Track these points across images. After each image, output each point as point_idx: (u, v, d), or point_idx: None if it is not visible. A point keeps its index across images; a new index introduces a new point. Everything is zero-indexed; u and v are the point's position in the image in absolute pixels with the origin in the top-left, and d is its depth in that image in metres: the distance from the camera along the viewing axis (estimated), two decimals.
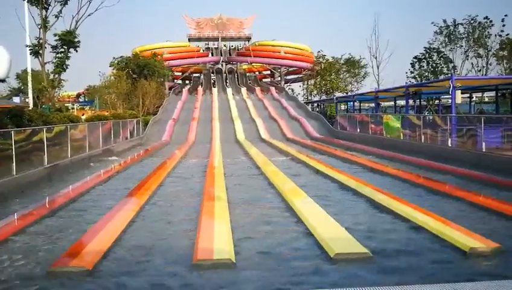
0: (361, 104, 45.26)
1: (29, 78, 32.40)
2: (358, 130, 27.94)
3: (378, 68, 45.77)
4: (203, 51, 62.81)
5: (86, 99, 62.01)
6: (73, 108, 51.25)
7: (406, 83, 30.93)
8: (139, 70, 40.52)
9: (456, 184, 11.17)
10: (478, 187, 10.78)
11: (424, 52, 41.11)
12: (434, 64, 40.61)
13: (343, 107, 49.27)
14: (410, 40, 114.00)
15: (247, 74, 63.26)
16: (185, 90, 52.18)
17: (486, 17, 38.39)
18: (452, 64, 40.21)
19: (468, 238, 6.45)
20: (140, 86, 37.61)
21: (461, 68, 40.18)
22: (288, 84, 64.05)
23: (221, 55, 62.46)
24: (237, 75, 61.72)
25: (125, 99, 37.41)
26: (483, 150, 15.06)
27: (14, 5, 31.12)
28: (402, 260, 5.99)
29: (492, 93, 33.05)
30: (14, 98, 43.69)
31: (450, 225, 7.26)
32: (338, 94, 48.43)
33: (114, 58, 43.13)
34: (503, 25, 37.12)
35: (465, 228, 7.00)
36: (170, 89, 53.32)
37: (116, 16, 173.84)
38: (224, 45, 64.26)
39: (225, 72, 61.81)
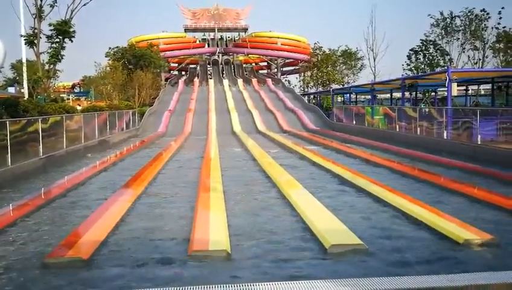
0: (358, 96, 45.26)
1: (24, 69, 32.18)
2: (354, 122, 27.99)
3: (374, 60, 45.83)
4: (200, 42, 62.52)
5: (82, 90, 61.74)
6: (68, 99, 51.08)
7: (402, 75, 30.92)
8: (135, 61, 40.33)
9: (450, 177, 11.21)
10: (472, 179, 10.85)
11: (421, 44, 41.10)
12: (430, 57, 40.63)
13: (339, 99, 49.28)
14: (407, 32, 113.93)
15: (244, 65, 63.04)
16: (181, 81, 51.94)
17: (483, 10, 38.39)
18: (448, 57, 40.24)
19: (462, 230, 6.50)
20: (136, 77, 37.44)
21: (457, 61, 40.25)
22: (285, 75, 63.90)
23: (218, 46, 62.18)
24: (234, 67, 61.52)
25: (121, 90, 37.25)
26: (479, 143, 15.12)
27: None
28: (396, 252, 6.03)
29: (488, 86, 33.09)
30: (9, 88, 43.42)
31: (445, 216, 7.30)
32: (334, 86, 48.42)
33: (110, 48, 42.94)
34: (500, 18, 37.16)
35: (460, 220, 7.05)
36: (166, 80, 53.12)
37: (111, 5, 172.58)
38: (221, 36, 63.93)
39: (221, 64, 61.59)
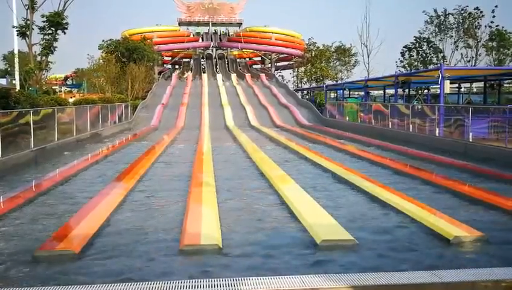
0: (351, 93, 45.31)
1: (16, 60, 31.95)
2: (347, 118, 28.11)
3: (368, 57, 45.80)
4: (194, 35, 62.26)
5: (74, 83, 61.35)
6: (60, 91, 50.77)
7: (396, 72, 30.97)
8: (128, 54, 40.09)
9: (441, 174, 11.30)
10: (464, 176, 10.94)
11: (414, 41, 41.17)
12: (424, 54, 40.69)
13: (332, 95, 49.32)
14: (401, 29, 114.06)
15: (238, 60, 62.89)
16: (174, 75, 51.75)
17: (476, 8, 38.49)
18: (442, 54, 40.34)
19: (452, 227, 6.55)
20: (130, 70, 37.24)
21: (451, 58, 40.36)
22: (279, 71, 63.85)
23: (212, 40, 61.95)
24: (227, 61, 61.35)
25: (114, 83, 37.06)
26: (470, 140, 15.23)
27: None
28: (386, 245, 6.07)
29: (481, 84, 33.28)
30: (0, 79, 43.07)
31: (435, 213, 7.36)
32: (328, 82, 48.44)
33: (103, 41, 42.62)
34: (493, 16, 37.26)
35: (449, 216, 7.12)
36: (160, 73, 52.90)
37: None
38: (215, 30, 63.70)
39: (215, 58, 61.40)
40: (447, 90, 20.71)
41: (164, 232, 6.71)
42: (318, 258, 5.62)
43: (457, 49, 39.94)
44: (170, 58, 62.25)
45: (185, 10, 61.05)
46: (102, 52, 40.72)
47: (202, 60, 61.74)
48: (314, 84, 52.08)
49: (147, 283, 4.06)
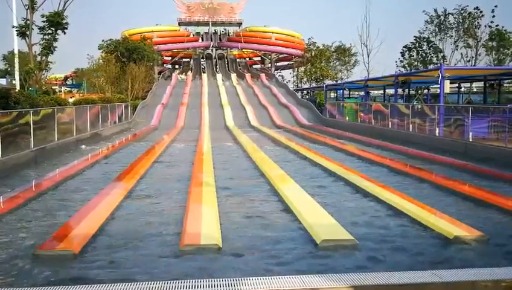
0: (351, 93, 45.32)
1: (16, 60, 31.93)
2: (347, 118, 28.11)
3: (368, 56, 45.81)
4: (194, 35, 62.27)
5: (74, 83, 61.35)
6: (60, 91, 50.77)
7: (396, 72, 30.95)
8: (128, 54, 40.07)
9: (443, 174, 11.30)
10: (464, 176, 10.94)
11: (414, 41, 41.18)
12: (424, 54, 40.71)
13: (332, 95, 49.34)
14: (401, 29, 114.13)
15: (238, 60, 62.88)
16: (174, 75, 51.73)
17: (476, 8, 38.51)
18: (442, 54, 40.34)
19: (452, 226, 6.56)
20: (129, 70, 37.23)
21: (450, 58, 40.37)
22: (279, 71, 63.85)
23: (212, 40, 61.95)
24: (227, 61, 61.35)
25: (114, 83, 37.05)
26: (470, 140, 15.22)
27: None
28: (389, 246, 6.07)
29: (481, 84, 33.27)
30: (0, 79, 43.11)
31: (435, 213, 7.36)
32: (328, 82, 48.44)
33: (103, 41, 42.62)
34: (493, 16, 37.28)
35: (450, 216, 7.12)
36: (159, 73, 52.90)
37: None
38: (215, 30, 63.70)
39: (215, 58, 61.40)
40: (447, 90, 20.70)
41: (164, 232, 6.70)
42: (317, 257, 5.63)
43: (457, 49, 39.99)
44: (170, 58, 62.24)
45: (185, 10, 61.04)
46: (102, 52, 40.71)
47: (202, 60, 61.75)
48: (314, 84, 52.09)
49: (146, 283, 4.06)
